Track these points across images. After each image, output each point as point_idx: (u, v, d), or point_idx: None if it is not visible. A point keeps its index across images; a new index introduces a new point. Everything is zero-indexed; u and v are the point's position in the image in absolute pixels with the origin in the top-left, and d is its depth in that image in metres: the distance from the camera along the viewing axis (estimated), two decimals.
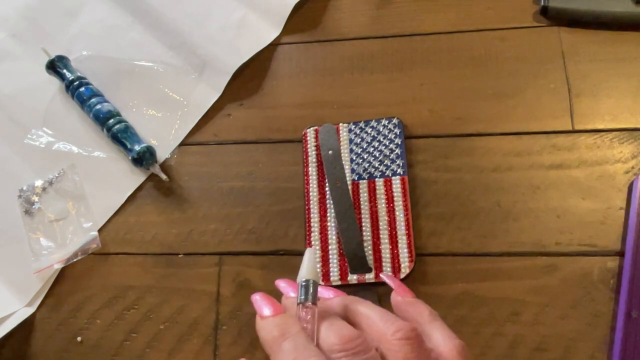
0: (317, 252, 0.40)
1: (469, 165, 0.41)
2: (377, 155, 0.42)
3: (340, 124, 0.44)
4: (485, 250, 0.39)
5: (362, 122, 0.44)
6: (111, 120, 0.46)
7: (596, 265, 0.37)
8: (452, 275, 0.38)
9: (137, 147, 0.44)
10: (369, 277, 0.39)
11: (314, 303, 0.24)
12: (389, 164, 0.42)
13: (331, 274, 0.39)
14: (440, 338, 0.23)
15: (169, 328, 0.41)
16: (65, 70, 0.49)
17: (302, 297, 0.24)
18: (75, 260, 0.43)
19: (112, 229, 0.45)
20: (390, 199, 0.41)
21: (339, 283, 0.39)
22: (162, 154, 0.46)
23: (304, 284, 0.25)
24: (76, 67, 0.50)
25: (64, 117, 0.49)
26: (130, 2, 0.53)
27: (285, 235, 0.42)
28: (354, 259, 0.39)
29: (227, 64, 0.48)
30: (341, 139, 0.44)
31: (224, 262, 0.42)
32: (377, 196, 0.41)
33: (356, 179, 0.42)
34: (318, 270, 0.29)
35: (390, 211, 0.40)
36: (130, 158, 0.45)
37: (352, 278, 0.39)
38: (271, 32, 0.49)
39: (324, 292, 0.27)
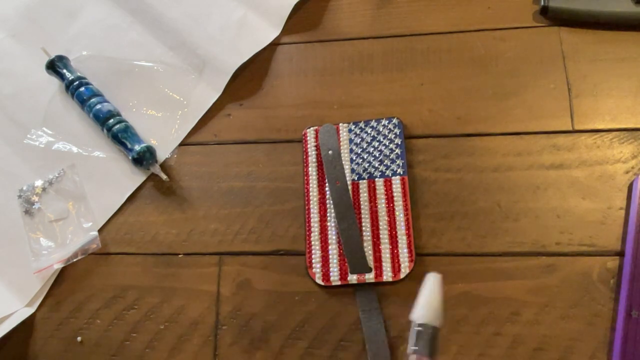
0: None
1: (469, 165, 0.41)
2: (377, 155, 0.42)
3: (340, 124, 0.44)
4: (485, 250, 0.39)
5: (362, 122, 0.44)
6: (111, 120, 0.46)
7: (596, 265, 0.37)
8: (452, 275, 0.38)
9: (137, 147, 0.44)
10: (369, 277, 0.39)
11: (431, 356, 0.18)
12: (389, 164, 0.42)
13: (331, 274, 0.39)
14: None
15: (169, 328, 0.41)
16: (65, 70, 0.49)
17: (414, 346, 0.18)
18: (75, 260, 0.43)
19: (112, 229, 0.45)
20: (390, 199, 0.41)
21: (339, 283, 0.39)
22: (162, 154, 0.46)
23: (418, 328, 0.19)
24: (76, 67, 0.50)
25: (63, 117, 0.49)
26: (130, 2, 0.53)
27: (285, 235, 0.42)
28: (354, 259, 0.39)
29: (227, 64, 0.48)
30: (341, 139, 0.44)
31: (224, 262, 0.42)
32: (377, 196, 0.41)
33: (356, 179, 0.42)
34: (440, 308, 0.22)
35: (390, 211, 0.40)
36: (130, 158, 0.45)
37: (352, 278, 0.39)
38: (271, 32, 0.49)
39: None
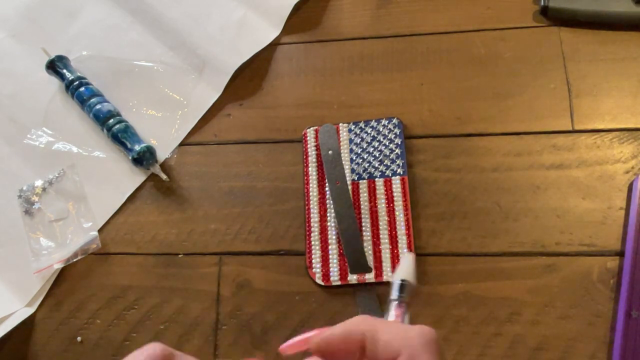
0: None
1: (469, 165, 0.41)
2: (377, 155, 0.42)
3: (340, 124, 0.44)
4: (485, 250, 0.39)
5: (362, 122, 0.44)
6: (111, 120, 0.46)
7: (596, 265, 0.37)
8: (452, 275, 0.38)
9: (137, 147, 0.44)
10: (369, 277, 0.39)
11: (407, 302, 0.25)
12: (389, 164, 0.42)
13: (331, 274, 0.39)
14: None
15: (169, 328, 0.41)
16: (65, 70, 0.49)
17: (397, 294, 0.25)
18: (75, 260, 0.43)
19: (112, 229, 0.45)
20: (390, 199, 0.41)
21: (339, 283, 0.39)
22: (162, 154, 0.46)
23: (400, 283, 0.26)
24: (76, 67, 0.50)
25: (64, 117, 0.49)
26: (130, 2, 0.53)
27: (285, 235, 0.42)
28: (354, 259, 0.39)
29: (226, 63, 0.48)
30: (341, 139, 0.44)
31: (224, 262, 0.42)
32: (377, 196, 0.41)
33: (356, 179, 0.42)
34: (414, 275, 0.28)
35: (390, 211, 0.40)
36: (130, 158, 0.45)
37: (352, 278, 0.39)
38: (271, 32, 0.49)
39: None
